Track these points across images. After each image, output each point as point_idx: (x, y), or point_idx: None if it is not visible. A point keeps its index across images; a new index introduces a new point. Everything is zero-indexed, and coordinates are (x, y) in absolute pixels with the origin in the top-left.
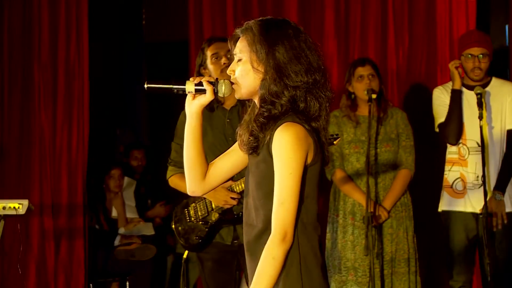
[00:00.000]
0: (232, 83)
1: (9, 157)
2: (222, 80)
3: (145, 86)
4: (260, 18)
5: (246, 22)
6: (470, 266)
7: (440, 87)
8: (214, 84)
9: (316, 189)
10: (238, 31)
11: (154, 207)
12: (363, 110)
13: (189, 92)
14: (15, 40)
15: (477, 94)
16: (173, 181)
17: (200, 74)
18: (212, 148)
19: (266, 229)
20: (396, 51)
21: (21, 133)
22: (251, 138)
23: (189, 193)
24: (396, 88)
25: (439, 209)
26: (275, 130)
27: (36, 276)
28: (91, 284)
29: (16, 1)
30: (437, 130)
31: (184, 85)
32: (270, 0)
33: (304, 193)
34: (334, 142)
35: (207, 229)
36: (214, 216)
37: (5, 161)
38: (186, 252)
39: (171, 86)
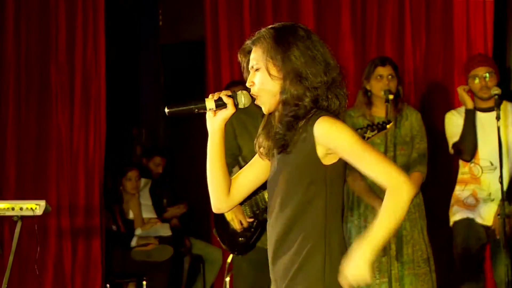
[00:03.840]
0: (255, 95)
1: (26, 158)
2: (239, 92)
3: (166, 111)
4: (270, 26)
5: (257, 32)
6: (480, 273)
7: (452, 111)
8: (233, 96)
9: (342, 185)
10: (249, 42)
11: (168, 208)
12: (379, 110)
13: (210, 109)
14: (32, 41)
15: (494, 95)
16: None
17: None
18: (248, 147)
19: (293, 224)
20: (413, 51)
21: (38, 134)
22: (278, 137)
23: (214, 210)
24: (413, 88)
25: (451, 224)
26: (313, 125)
27: (53, 276)
28: (108, 285)
29: (33, 3)
30: (451, 151)
31: (204, 103)
32: (286, 0)
33: (334, 187)
34: (387, 126)
35: (252, 230)
36: (261, 217)
37: (22, 162)
38: (231, 256)
39: (191, 107)
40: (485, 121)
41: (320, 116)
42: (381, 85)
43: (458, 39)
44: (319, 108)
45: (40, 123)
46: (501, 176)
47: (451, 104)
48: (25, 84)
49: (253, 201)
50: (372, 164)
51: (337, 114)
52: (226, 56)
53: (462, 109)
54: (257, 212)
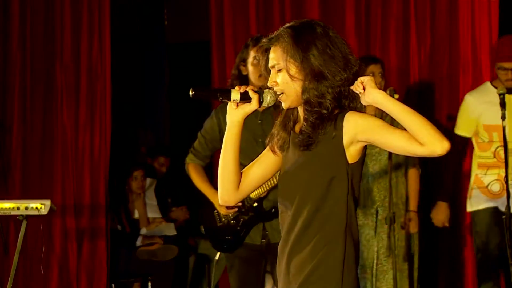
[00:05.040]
0: (278, 94)
1: (31, 157)
2: (267, 90)
3: (190, 93)
4: (288, 25)
5: (275, 32)
6: (500, 263)
7: (474, 95)
8: (259, 93)
9: (359, 186)
10: (266, 41)
11: (172, 209)
12: (367, 108)
13: (234, 100)
14: (37, 41)
15: (500, 95)
16: (189, 169)
17: (239, 69)
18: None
19: (312, 220)
20: (418, 50)
21: (43, 134)
22: (302, 136)
23: (221, 202)
24: (418, 88)
25: (470, 210)
26: (343, 119)
27: (58, 276)
28: (113, 285)
29: (39, 2)
30: (456, 132)
31: (229, 93)
32: (291, 0)
33: (355, 185)
34: None
35: (239, 228)
36: (247, 214)
37: (27, 162)
38: (218, 253)
39: (216, 94)
40: (509, 102)
41: (348, 111)
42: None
43: (463, 38)
44: (343, 108)
45: (45, 123)
46: (506, 176)
47: (456, 103)
48: (31, 83)
49: None
50: (400, 136)
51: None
52: (231, 55)
53: (484, 90)
54: (243, 210)
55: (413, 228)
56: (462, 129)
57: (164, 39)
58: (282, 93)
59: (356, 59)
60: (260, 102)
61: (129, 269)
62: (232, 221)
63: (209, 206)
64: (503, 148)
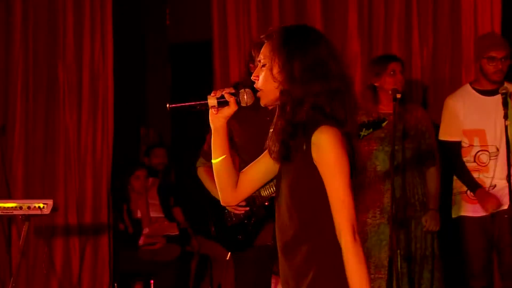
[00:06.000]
0: (256, 91)
1: (34, 157)
2: (242, 90)
3: (168, 107)
4: (282, 26)
5: (270, 29)
6: (490, 267)
7: (454, 98)
8: (235, 94)
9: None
10: (262, 37)
11: (175, 208)
12: (385, 107)
13: (212, 106)
14: (40, 41)
15: (502, 94)
16: (201, 173)
17: (248, 68)
18: (249, 145)
19: (301, 232)
20: (420, 50)
21: (46, 134)
22: (282, 147)
23: (222, 204)
24: (421, 88)
25: (453, 215)
26: (312, 135)
27: (60, 275)
28: (115, 284)
29: (41, 2)
30: (442, 138)
31: (206, 101)
32: (294, 0)
33: None
34: (382, 125)
35: (250, 228)
36: (259, 214)
37: (30, 161)
38: (229, 254)
39: (193, 104)
40: (489, 105)
41: (320, 125)
42: (394, 80)
43: (466, 39)
44: (323, 115)
45: (48, 123)
46: (509, 175)
47: None
48: (33, 83)
49: (250, 198)
50: (337, 200)
51: (343, 123)
52: (234, 55)
53: (464, 92)
54: (254, 209)
55: (433, 226)
56: (448, 134)
57: (166, 38)
58: (261, 89)
59: (342, 74)
60: (238, 103)
61: (132, 268)
62: (245, 221)
63: (219, 205)
64: (484, 152)
